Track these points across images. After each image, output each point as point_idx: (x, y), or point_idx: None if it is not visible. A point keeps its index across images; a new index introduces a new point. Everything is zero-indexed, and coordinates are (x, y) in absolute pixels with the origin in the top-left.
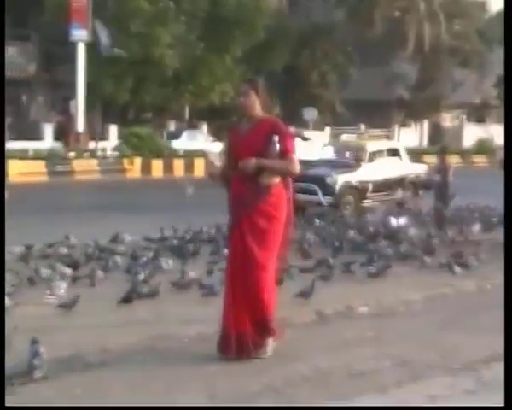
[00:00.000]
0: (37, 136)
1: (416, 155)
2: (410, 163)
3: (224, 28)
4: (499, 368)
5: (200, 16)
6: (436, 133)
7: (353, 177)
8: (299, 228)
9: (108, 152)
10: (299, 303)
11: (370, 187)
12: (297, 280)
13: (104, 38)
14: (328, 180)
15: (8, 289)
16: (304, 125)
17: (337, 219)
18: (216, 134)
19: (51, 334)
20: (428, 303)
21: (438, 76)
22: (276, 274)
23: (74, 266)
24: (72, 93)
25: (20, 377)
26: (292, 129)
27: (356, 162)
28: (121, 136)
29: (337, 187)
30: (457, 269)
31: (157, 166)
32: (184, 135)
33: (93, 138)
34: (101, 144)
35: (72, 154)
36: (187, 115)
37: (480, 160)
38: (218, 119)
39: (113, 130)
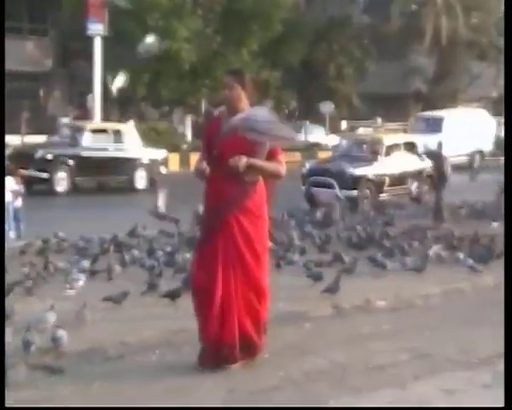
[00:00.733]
0: (54, 130)
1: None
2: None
3: (241, 22)
4: None
5: (216, 10)
6: None
7: (370, 170)
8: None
9: None
10: (317, 297)
11: (387, 181)
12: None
13: None
14: (345, 174)
15: (26, 283)
16: (320, 118)
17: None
18: None
19: (70, 328)
20: (446, 297)
21: (455, 69)
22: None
23: (92, 260)
24: (89, 87)
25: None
26: None
27: (373, 156)
28: (138, 130)
29: (354, 181)
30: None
31: (174, 161)
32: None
33: None
34: None
35: None
36: (203, 109)
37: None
38: None
39: (130, 124)
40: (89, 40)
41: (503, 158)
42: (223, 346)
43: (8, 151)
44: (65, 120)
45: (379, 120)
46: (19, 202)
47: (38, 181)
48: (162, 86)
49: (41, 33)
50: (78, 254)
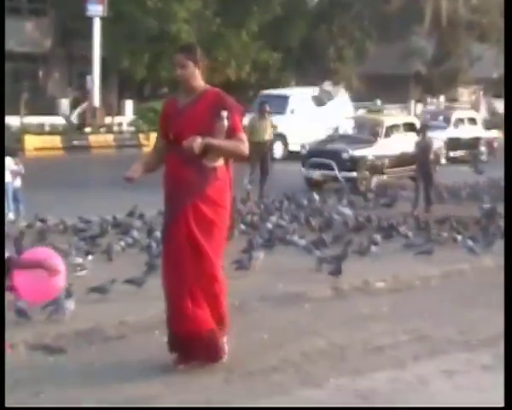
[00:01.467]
0: (53, 111)
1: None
2: None
3: (241, 3)
4: None
5: None
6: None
7: (370, 152)
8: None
9: (124, 127)
10: (316, 278)
11: (387, 162)
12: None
13: None
14: (344, 155)
15: None
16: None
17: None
18: None
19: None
20: (445, 279)
21: (455, 51)
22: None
23: (91, 240)
24: (88, 68)
25: None
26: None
27: (372, 137)
28: (137, 111)
29: (353, 162)
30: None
31: None
32: None
33: (109, 114)
34: (117, 120)
35: (88, 129)
36: None
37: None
38: (234, 94)
39: (129, 105)
40: (88, 21)
41: None
42: (181, 336)
43: None
44: None
45: (379, 101)
46: (18, 183)
47: None
48: (162, 68)
49: (40, 14)
50: (78, 235)
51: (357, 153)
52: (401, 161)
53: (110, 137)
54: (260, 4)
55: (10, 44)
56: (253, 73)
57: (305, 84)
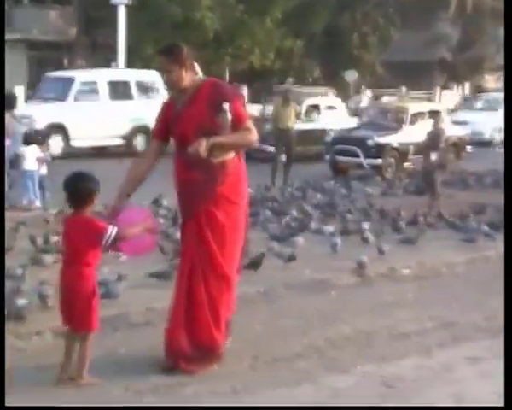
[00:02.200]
0: None
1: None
2: (452, 125)
3: None
4: None
5: None
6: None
7: (395, 139)
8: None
9: None
10: (341, 265)
11: (412, 149)
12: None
13: None
14: (370, 142)
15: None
16: (344, 87)
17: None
18: (255, 97)
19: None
20: (470, 266)
21: (480, 37)
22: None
23: None
24: (112, 56)
25: None
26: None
27: (397, 125)
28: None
29: (378, 149)
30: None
31: None
32: None
33: None
34: None
35: None
36: (227, 78)
37: None
38: (258, 81)
39: None
40: (112, 9)
41: None
42: (172, 341)
43: None
44: None
45: (403, 88)
46: (44, 170)
47: None
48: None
49: (64, 2)
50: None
51: (383, 140)
52: None
53: None
54: None
55: (34, 33)
56: (276, 61)
57: (329, 71)
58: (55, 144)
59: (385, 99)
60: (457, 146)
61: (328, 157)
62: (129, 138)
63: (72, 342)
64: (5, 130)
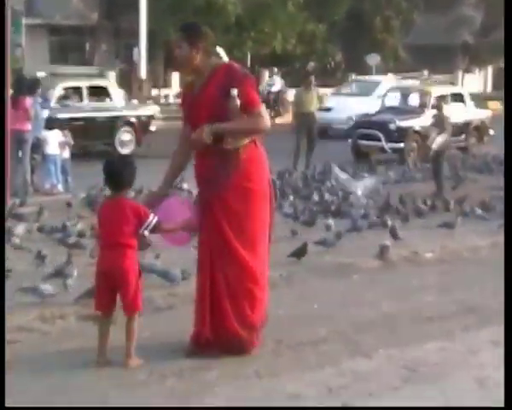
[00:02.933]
0: None
1: (479, 100)
2: (475, 109)
3: None
4: None
5: None
6: (500, 79)
7: (417, 123)
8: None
9: (171, 99)
10: (364, 250)
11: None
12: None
13: None
14: (392, 126)
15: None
16: (366, 71)
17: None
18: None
19: None
20: (494, 249)
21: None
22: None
23: None
24: (135, 40)
25: None
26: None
27: (420, 108)
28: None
29: (401, 133)
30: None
31: None
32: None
33: (155, 86)
34: (164, 92)
35: (134, 101)
36: (249, 62)
37: None
38: (280, 66)
39: (176, 77)
40: None
41: None
42: (200, 336)
43: None
44: None
45: (426, 72)
46: (66, 154)
47: None
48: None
49: None
50: None
51: (405, 124)
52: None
53: (157, 108)
54: None
55: (57, 18)
56: (298, 45)
57: (351, 55)
58: None
59: (407, 83)
60: (480, 130)
61: (350, 141)
62: None
63: (106, 325)
64: (28, 114)
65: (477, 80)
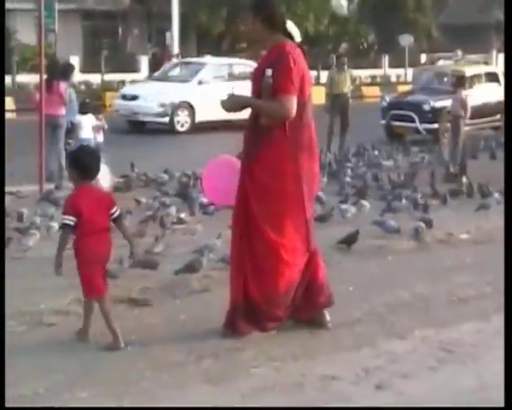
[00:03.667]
0: (133, 68)
1: None
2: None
3: None
4: None
5: None
6: None
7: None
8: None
9: None
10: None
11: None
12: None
13: None
14: (426, 107)
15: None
16: (399, 51)
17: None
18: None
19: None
20: None
21: None
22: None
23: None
24: (167, 25)
25: None
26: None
27: (454, 88)
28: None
29: (434, 114)
30: None
31: None
32: None
33: None
34: None
35: None
36: None
37: None
38: (313, 47)
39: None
40: None
41: None
42: (234, 305)
43: None
44: None
45: (459, 52)
46: (100, 138)
47: None
48: (240, 22)
49: None
50: (159, 189)
51: (439, 104)
52: (483, 111)
53: None
54: None
55: (89, 3)
56: (331, 26)
57: (384, 36)
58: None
59: (441, 63)
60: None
61: (383, 122)
62: None
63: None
64: (62, 99)
65: None
